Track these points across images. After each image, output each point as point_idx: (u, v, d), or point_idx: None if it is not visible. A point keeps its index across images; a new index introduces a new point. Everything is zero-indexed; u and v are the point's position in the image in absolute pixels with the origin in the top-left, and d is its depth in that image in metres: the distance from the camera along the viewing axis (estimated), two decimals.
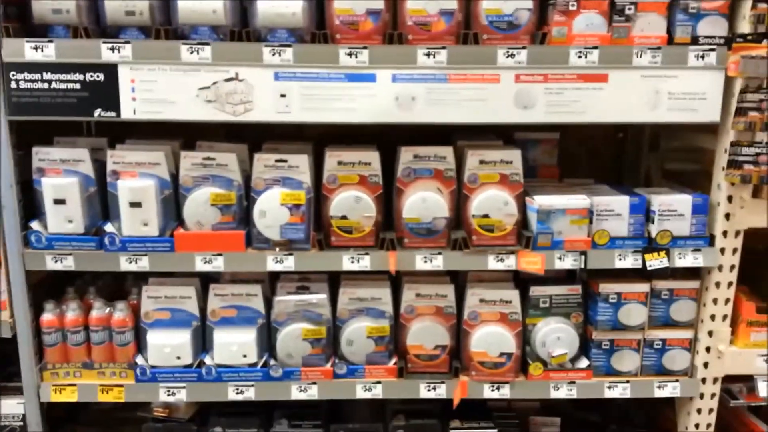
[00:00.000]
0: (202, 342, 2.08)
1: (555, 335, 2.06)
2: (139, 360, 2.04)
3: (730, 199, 1.99)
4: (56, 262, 1.93)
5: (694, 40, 1.93)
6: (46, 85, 1.83)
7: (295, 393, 2.06)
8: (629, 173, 2.64)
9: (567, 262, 2.00)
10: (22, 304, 1.95)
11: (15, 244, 1.92)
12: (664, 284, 2.09)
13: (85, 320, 2.01)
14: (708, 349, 2.09)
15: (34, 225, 1.93)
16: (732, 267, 2.03)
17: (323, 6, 1.90)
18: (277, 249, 1.98)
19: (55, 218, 1.92)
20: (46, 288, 2.07)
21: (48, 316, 1.98)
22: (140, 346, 2.06)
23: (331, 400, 2.12)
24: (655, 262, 1.99)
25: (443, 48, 1.87)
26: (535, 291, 2.09)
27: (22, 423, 2.09)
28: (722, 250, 2.02)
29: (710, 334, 2.08)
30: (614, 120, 1.96)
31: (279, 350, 2.05)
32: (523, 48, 1.88)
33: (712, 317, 2.07)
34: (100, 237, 1.94)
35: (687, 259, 2.02)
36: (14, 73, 1.82)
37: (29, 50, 1.81)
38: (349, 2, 1.86)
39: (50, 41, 1.81)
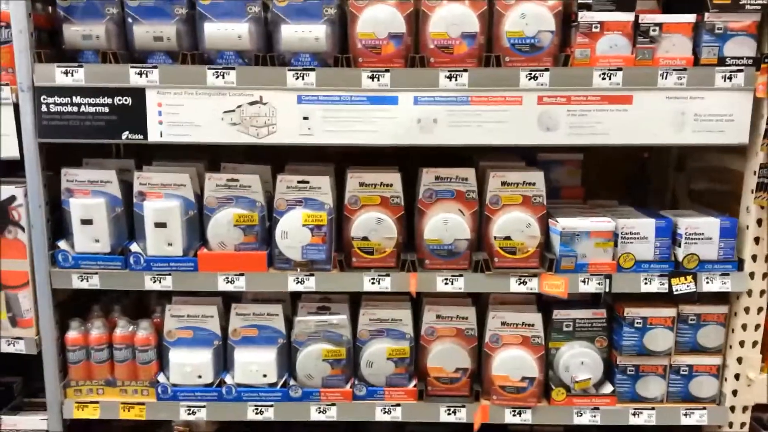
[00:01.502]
0: (224, 361, 2.09)
1: (579, 360, 2.03)
2: (161, 378, 2.06)
3: (759, 222, 1.95)
4: (82, 280, 1.97)
5: (721, 61, 1.91)
6: (75, 109, 1.88)
7: (314, 414, 2.06)
8: (655, 194, 2.61)
9: (591, 286, 1.97)
10: (48, 321, 1.99)
11: (42, 263, 1.96)
12: (691, 309, 2.05)
13: (109, 338, 2.04)
14: (737, 377, 2.04)
15: (62, 244, 1.97)
16: (762, 292, 1.98)
17: (346, 30, 1.93)
18: (299, 269, 1.99)
19: (82, 238, 1.96)
20: (71, 305, 2.11)
21: (73, 334, 2.02)
22: (162, 365, 2.08)
23: (350, 421, 2.11)
24: (682, 286, 1.95)
25: (465, 71, 1.87)
26: (558, 314, 2.06)
27: None
28: (752, 275, 1.97)
29: (739, 360, 2.03)
30: (639, 142, 1.93)
31: (299, 370, 2.05)
32: (546, 70, 1.88)
33: (741, 344, 2.02)
34: (126, 256, 1.97)
35: (715, 284, 1.97)
36: (45, 96, 1.87)
37: (59, 75, 1.86)
38: (372, 26, 1.88)
39: (80, 66, 1.86)
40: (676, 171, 2.56)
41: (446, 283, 1.99)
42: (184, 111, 1.88)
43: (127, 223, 2.01)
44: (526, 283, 1.98)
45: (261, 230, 2.00)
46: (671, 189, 2.58)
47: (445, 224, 1.98)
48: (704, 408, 2.06)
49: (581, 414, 2.05)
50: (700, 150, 2.35)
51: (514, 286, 1.98)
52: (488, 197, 2.01)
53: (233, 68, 1.86)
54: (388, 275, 1.99)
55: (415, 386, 2.06)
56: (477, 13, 1.89)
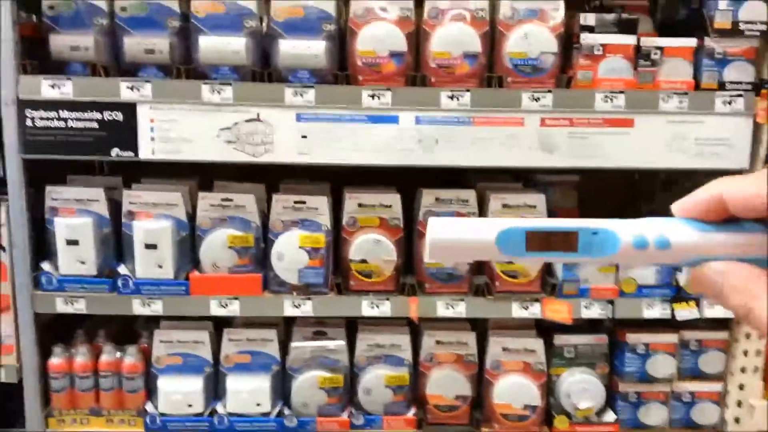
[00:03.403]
0: (215, 389, 2.00)
1: (581, 386, 1.99)
2: (149, 407, 1.96)
3: None
4: (67, 304, 1.87)
5: (721, 86, 1.91)
6: (62, 124, 1.79)
7: None
8: (645, 215, 2.59)
9: (594, 311, 1.94)
10: (29, 348, 1.88)
11: (25, 286, 1.85)
12: (692, 335, 2.03)
13: (95, 365, 1.94)
14: (739, 404, 2.02)
15: (45, 266, 1.87)
16: None
17: (345, 46, 1.88)
18: (295, 293, 1.92)
19: (67, 259, 1.86)
20: (54, 329, 2.00)
21: (56, 361, 1.91)
22: (150, 393, 1.98)
23: None
24: (685, 312, 1.93)
25: (467, 91, 1.84)
26: (559, 340, 2.02)
27: None
28: None
29: (741, 387, 2.01)
30: (640, 166, 1.92)
31: (294, 399, 1.97)
32: (549, 92, 1.85)
33: (743, 369, 2.00)
34: (113, 279, 1.88)
35: (716, 309, 1.95)
36: (30, 110, 1.78)
37: (46, 88, 1.78)
38: (372, 44, 1.84)
39: (68, 79, 1.78)
40: (663, 191, 2.55)
41: (447, 308, 1.94)
42: (177, 127, 1.80)
43: (115, 243, 1.92)
44: (528, 308, 1.94)
45: (256, 252, 1.92)
46: (660, 210, 2.56)
47: None
48: None
49: None
50: (688, 172, 2.35)
51: (516, 311, 1.94)
52: None
53: (230, 84, 1.79)
54: (387, 299, 1.93)
55: (414, 414, 2.00)
56: (479, 32, 1.86)
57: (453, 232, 0.55)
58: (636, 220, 0.56)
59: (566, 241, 0.55)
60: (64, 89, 1.78)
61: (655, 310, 1.94)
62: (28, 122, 1.78)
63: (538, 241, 0.55)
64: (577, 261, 0.59)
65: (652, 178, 2.58)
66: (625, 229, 0.55)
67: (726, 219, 0.52)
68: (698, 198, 0.53)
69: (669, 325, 2.00)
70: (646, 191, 2.61)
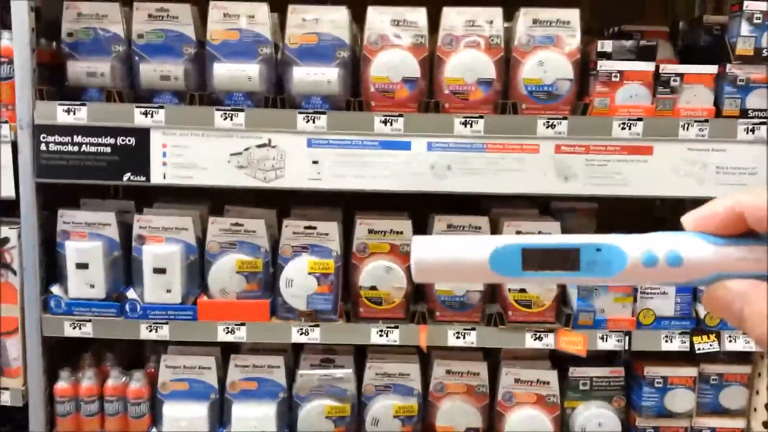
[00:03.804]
0: (220, 416, 1.98)
1: (596, 421, 1.93)
2: None
3: None
4: (74, 328, 1.86)
5: (743, 113, 1.86)
6: (76, 148, 1.80)
7: None
8: None
9: (610, 343, 1.88)
10: (36, 372, 1.87)
11: (33, 309, 1.85)
12: (713, 368, 1.96)
13: (100, 390, 1.92)
14: None
15: (55, 289, 1.87)
16: None
17: (358, 73, 1.87)
18: (303, 320, 1.89)
19: (77, 282, 1.85)
20: (61, 351, 2.00)
21: (62, 385, 1.90)
22: (155, 418, 1.96)
23: None
24: (705, 345, 1.86)
25: (481, 117, 1.82)
26: (574, 372, 1.97)
27: None
28: None
29: (765, 425, 1.93)
30: (660, 194, 1.87)
31: (300, 428, 1.93)
32: (564, 118, 1.82)
33: (767, 407, 1.93)
34: (121, 303, 1.87)
35: (738, 343, 1.89)
36: (45, 135, 1.79)
37: (61, 113, 1.79)
38: (385, 70, 1.83)
39: (83, 104, 1.79)
40: (674, 214, 2.49)
41: (457, 337, 1.90)
42: (189, 153, 1.80)
43: (125, 267, 1.92)
44: (542, 338, 1.89)
45: (264, 277, 1.91)
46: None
47: None
48: None
49: None
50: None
51: (529, 341, 1.89)
52: None
53: (242, 110, 1.79)
54: (396, 327, 1.89)
55: None
56: (494, 59, 1.84)
57: (441, 251, 0.50)
58: (644, 235, 0.51)
59: (567, 258, 0.50)
60: (79, 114, 1.80)
61: (674, 343, 1.88)
62: (43, 147, 1.80)
63: (536, 259, 0.50)
64: (579, 281, 0.53)
65: (664, 204, 2.52)
66: (632, 245, 0.50)
67: (742, 233, 0.48)
68: (713, 210, 0.48)
69: (688, 357, 1.93)
70: (660, 216, 2.56)
